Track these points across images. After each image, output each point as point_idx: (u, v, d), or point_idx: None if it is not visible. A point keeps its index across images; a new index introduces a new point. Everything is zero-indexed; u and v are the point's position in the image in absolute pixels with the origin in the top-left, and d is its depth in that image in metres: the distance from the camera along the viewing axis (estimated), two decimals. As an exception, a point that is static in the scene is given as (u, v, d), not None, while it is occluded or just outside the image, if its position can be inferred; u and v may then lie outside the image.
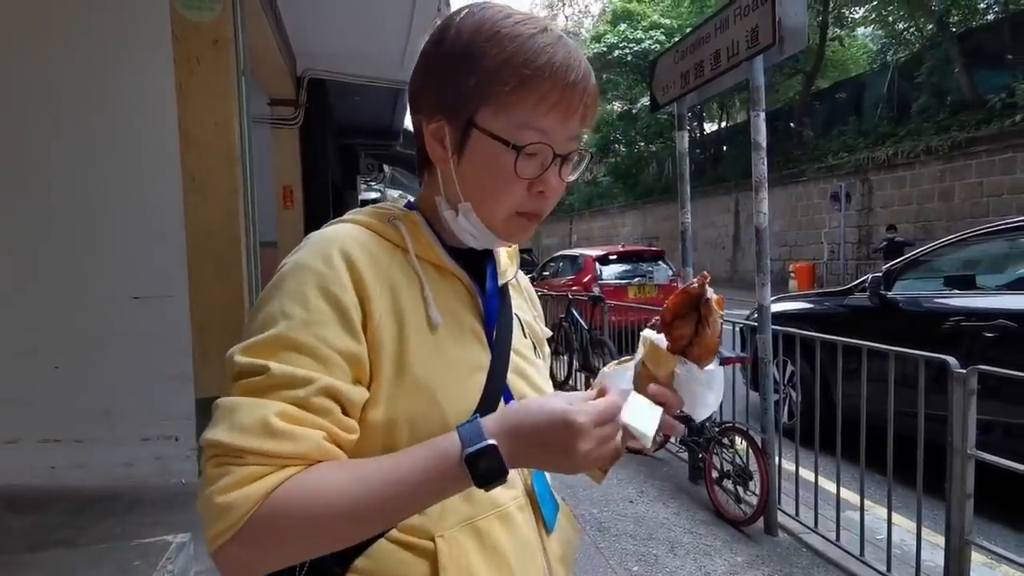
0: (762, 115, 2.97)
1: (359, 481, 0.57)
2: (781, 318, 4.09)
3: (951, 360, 2.25)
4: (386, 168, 12.22)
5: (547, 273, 10.77)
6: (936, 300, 3.66)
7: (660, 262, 9.34)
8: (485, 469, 0.56)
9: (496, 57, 0.64)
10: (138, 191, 3.03)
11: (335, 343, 0.60)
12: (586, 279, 8.92)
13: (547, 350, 0.89)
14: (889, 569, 2.50)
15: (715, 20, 3.25)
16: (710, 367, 0.69)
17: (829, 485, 2.92)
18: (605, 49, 22.38)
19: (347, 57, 5.83)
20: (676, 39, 5.31)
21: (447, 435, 0.59)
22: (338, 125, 8.61)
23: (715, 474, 3.30)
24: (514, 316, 0.78)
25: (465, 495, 0.66)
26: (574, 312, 5.98)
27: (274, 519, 0.55)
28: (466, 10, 0.68)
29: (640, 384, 0.70)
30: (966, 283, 3.61)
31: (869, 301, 3.89)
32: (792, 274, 15.00)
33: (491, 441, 0.56)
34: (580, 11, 40.82)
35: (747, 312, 5.00)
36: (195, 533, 2.51)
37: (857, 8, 18.31)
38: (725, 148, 22.43)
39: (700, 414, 0.71)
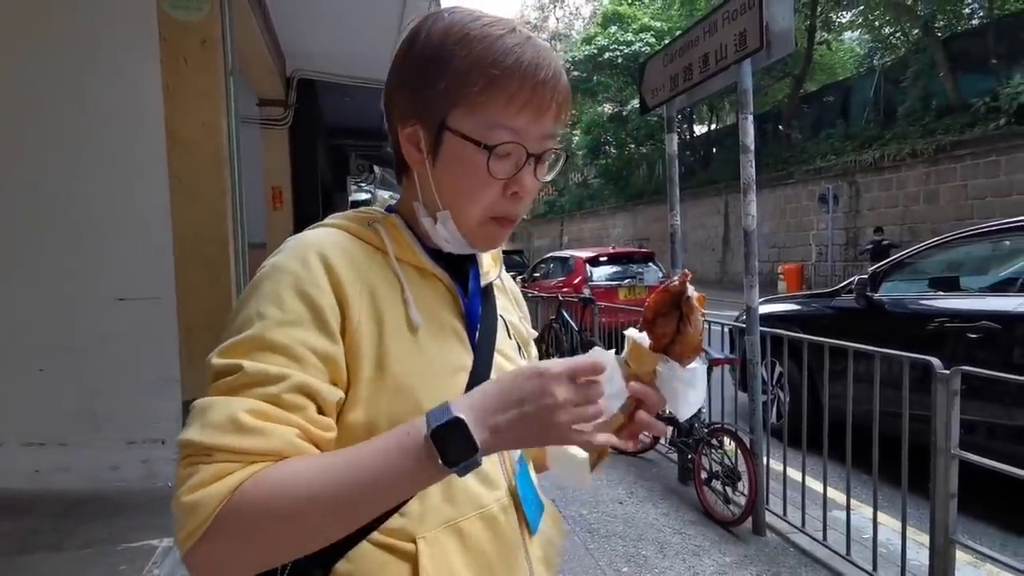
0: (750, 118, 2.99)
1: (323, 469, 0.56)
2: (770, 319, 4.13)
3: (935, 361, 2.28)
4: (377, 169, 12.18)
5: (538, 274, 10.79)
6: (921, 302, 3.70)
7: (650, 264, 9.39)
8: (452, 444, 0.54)
9: (465, 59, 0.64)
10: (124, 192, 3.01)
11: (310, 343, 0.60)
12: (576, 280, 8.95)
13: (534, 351, 0.89)
14: (875, 568, 2.53)
15: (704, 24, 3.27)
16: (693, 365, 0.69)
17: (816, 485, 2.95)
18: (596, 51, 22.48)
19: (337, 57, 5.81)
20: (666, 42, 5.34)
21: (415, 417, 0.58)
22: (328, 126, 8.58)
23: (704, 475, 3.32)
24: (499, 317, 0.78)
25: (447, 496, 0.66)
26: (564, 313, 5.99)
27: (240, 514, 0.53)
28: (435, 15, 0.69)
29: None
30: (950, 285, 3.65)
31: (855, 303, 3.93)
32: (781, 276, 15.12)
33: (457, 414, 0.55)
34: (571, 13, 40.97)
35: (736, 313, 5.03)
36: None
37: (844, 13, 18.52)
38: (715, 150, 22.59)
39: (683, 413, 0.71)
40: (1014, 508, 3.14)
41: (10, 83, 2.90)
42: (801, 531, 2.94)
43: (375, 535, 0.64)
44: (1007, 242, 3.67)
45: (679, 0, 21.76)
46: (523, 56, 0.64)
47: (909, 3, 15.32)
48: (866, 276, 3.97)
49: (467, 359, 0.71)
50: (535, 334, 0.90)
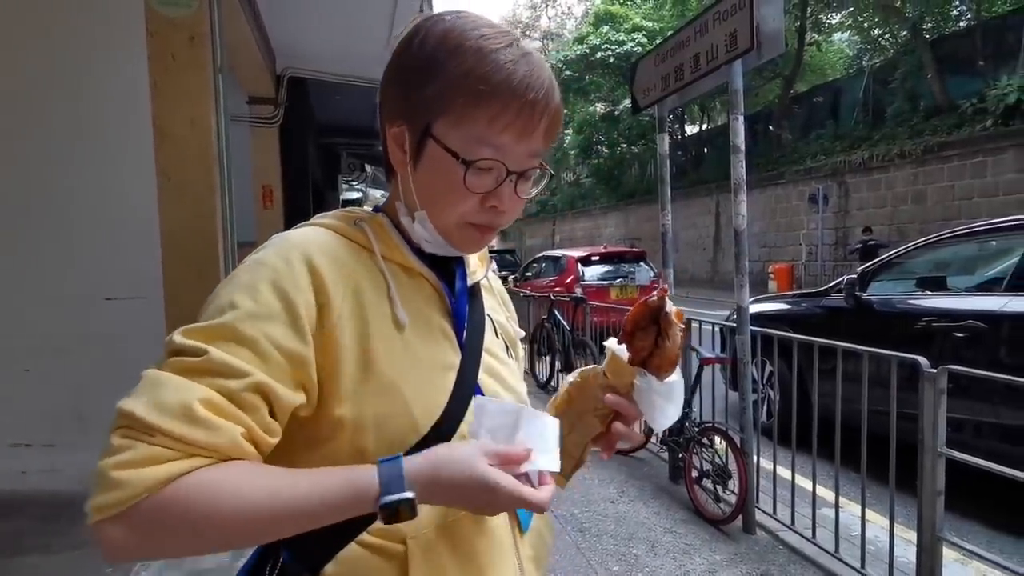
0: (741, 119, 3.01)
1: (271, 495, 0.55)
2: (760, 319, 4.15)
3: (922, 360, 2.30)
4: (368, 168, 12.13)
5: (530, 274, 10.79)
6: (908, 301, 3.74)
7: (642, 263, 9.43)
8: (397, 514, 0.56)
9: (455, 70, 0.64)
10: (111, 190, 2.97)
11: (279, 340, 0.59)
12: (568, 280, 8.96)
13: (520, 351, 0.89)
14: (863, 565, 2.55)
15: (695, 24, 3.28)
16: (671, 379, 0.70)
17: (806, 483, 2.97)
18: (588, 51, 22.50)
19: (328, 55, 5.77)
20: (658, 42, 5.36)
21: (367, 470, 0.58)
22: (319, 124, 8.53)
23: (695, 474, 3.33)
24: (486, 317, 0.78)
25: None
26: (556, 313, 6.00)
27: (168, 509, 0.53)
28: (437, 17, 0.68)
29: (600, 393, 0.72)
30: (937, 285, 3.69)
31: (844, 302, 3.97)
32: (771, 275, 15.22)
33: (409, 495, 0.56)
34: (563, 12, 40.88)
35: (727, 313, 5.06)
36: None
37: (834, 14, 18.66)
38: (706, 150, 22.69)
39: (659, 425, 0.72)
40: (1001, 506, 3.18)
41: (-6, 79, 2.86)
42: (791, 529, 2.96)
43: (364, 536, 0.63)
44: (993, 242, 3.71)
45: (671, 0, 21.84)
46: (515, 74, 0.63)
47: (898, 5, 15.47)
48: (855, 276, 4.01)
49: (454, 357, 0.70)
50: (522, 334, 0.91)
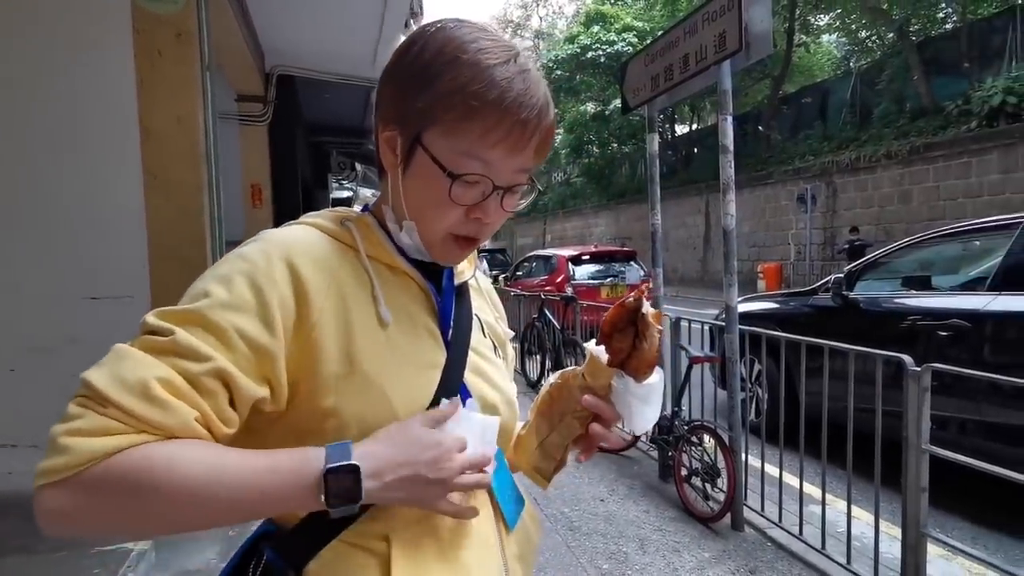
0: (730, 119, 3.02)
1: (211, 468, 0.55)
2: (749, 318, 4.18)
3: (906, 358, 2.33)
4: (358, 166, 12.08)
5: (520, 273, 10.80)
6: (894, 300, 3.78)
7: (632, 262, 9.46)
8: (340, 487, 0.57)
9: (449, 83, 0.64)
10: (96, 188, 2.93)
11: (247, 332, 0.59)
12: (559, 279, 8.98)
13: (510, 351, 0.89)
14: (849, 561, 2.57)
15: (684, 25, 3.30)
16: (649, 380, 0.70)
17: (794, 480, 3.00)
18: (578, 50, 22.53)
19: (317, 53, 5.74)
20: (648, 42, 5.37)
21: (317, 448, 0.59)
22: (309, 122, 8.48)
23: (684, 472, 3.35)
24: (474, 316, 0.78)
25: None
26: (547, 312, 6.00)
27: (109, 480, 0.53)
28: (439, 25, 0.68)
29: (579, 395, 0.72)
30: (922, 284, 3.73)
31: (832, 301, 4.00)
32: (760, 274, 15.33)
33: (355, 461, 0.57)
34: (554, 12, 40.92)
35: (716, 312, 5.09)
36: (156, 541, 2.44)
37: (822, 16, 18.82)
38: (696, 150, 22.80)
39: (638, 427, 0.72)
40: (984, 502, 3.23)
41: (-23, 75, 2.82)
42: (778, 526, 2.98)
43: (347, 534, 0.63)
44: (977, 242, 3.77)
45: (661, 1, 21.92)
46: (509, 91, 0.63)
47: (884, 7, 15.63)
48: (842, 275, 4.05)
49: (440, 356, 0.71)
50: (511, 334, 0.91)
